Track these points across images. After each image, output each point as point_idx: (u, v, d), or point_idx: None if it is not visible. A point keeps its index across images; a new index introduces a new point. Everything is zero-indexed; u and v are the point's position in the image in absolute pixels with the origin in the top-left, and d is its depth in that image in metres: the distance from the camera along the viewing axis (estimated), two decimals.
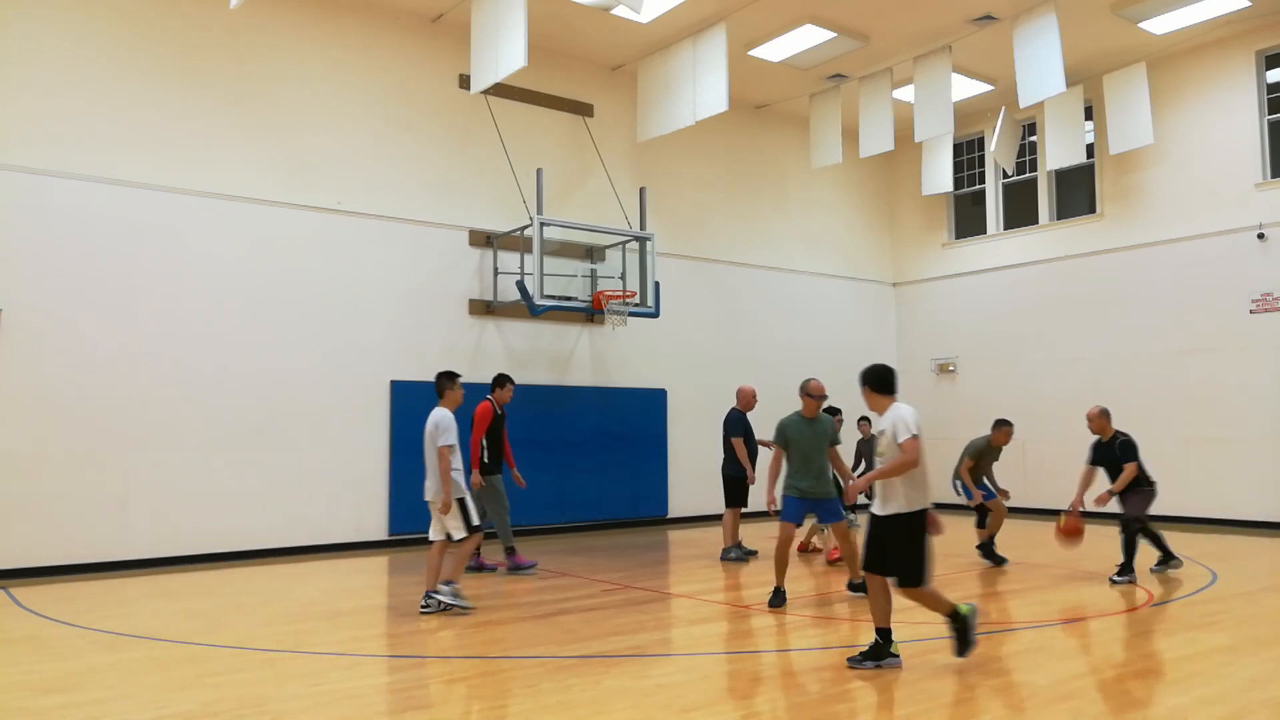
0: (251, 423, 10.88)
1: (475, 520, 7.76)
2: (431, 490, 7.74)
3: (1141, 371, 14.22)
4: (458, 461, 7.70)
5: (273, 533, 10.93)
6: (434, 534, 7.80)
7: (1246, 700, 4.94)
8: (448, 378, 8.06)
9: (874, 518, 5.76)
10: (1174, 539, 11.87)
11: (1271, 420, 12.89)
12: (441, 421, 7.74)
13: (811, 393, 7.92)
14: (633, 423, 14.01)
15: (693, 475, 14.45)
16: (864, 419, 11.66)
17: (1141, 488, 8.98)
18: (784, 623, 7.15)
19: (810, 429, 7.85)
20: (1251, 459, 13.02)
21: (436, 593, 7.51)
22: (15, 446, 9.56)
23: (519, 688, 5.30)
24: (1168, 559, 9.16)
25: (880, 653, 5.67)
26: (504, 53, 10.54)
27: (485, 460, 9.44)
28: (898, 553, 5.65)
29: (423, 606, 7.52)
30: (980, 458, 10.08)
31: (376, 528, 11.68)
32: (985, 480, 10.13)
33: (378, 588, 9.17)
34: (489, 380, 12.67)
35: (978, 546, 10.10)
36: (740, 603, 7.98)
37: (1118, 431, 9.18)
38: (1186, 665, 5.64)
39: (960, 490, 10.13)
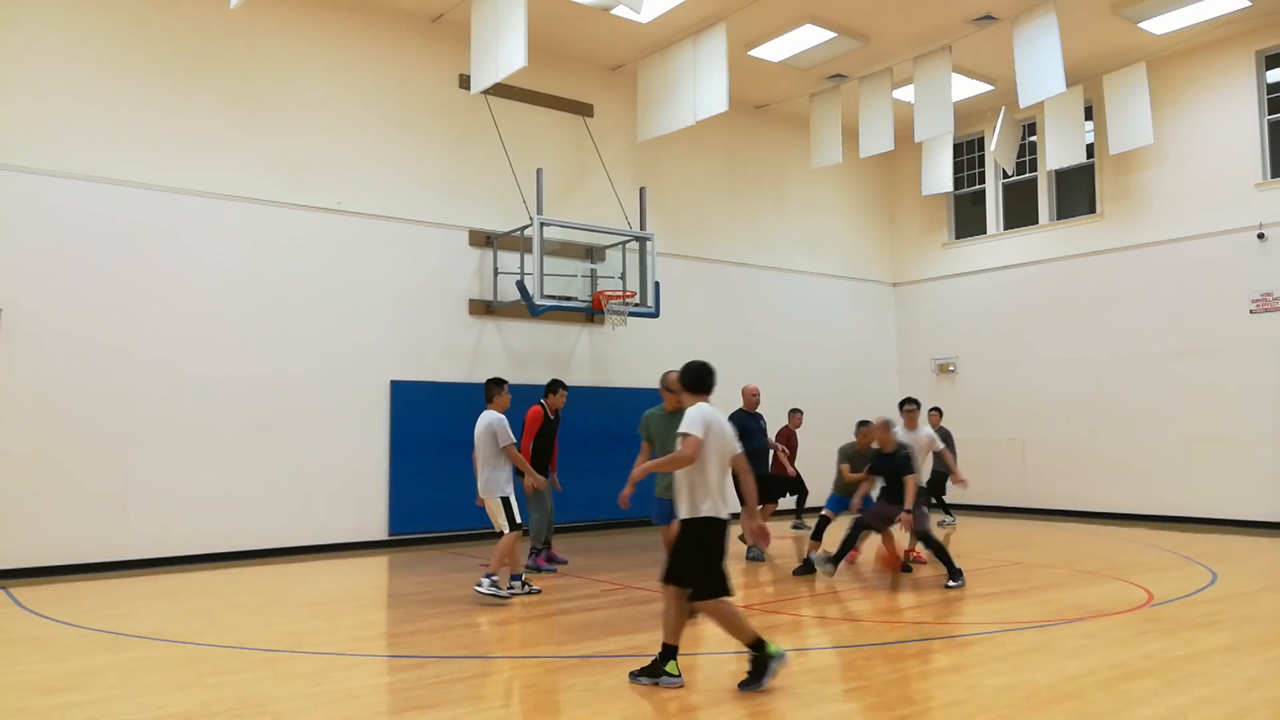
0: (252, 422, 10.88)
1: (518, 518, 8.08)
2: (485, 488, 8.12)
3: (1141, 371, 14.22)
4: (502, 461, 8.07)
5: (273, 533, 10.93)
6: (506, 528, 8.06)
7: (1246, 700, 4.94)
8: (496, 384, 8.51)
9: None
10: (1175, 539, 11.90)
11: (1271, 420, 12.89)
12: (495, 423, 8.13)
13: (669, 386, 7.56)
14: (633, 423, 13.90)
15: None
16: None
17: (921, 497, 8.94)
18: (784, 623, 7.15)
19: (671, 424, 7.20)
20: (1251, 459, 13.02)
21: (514, 580, 8.13)
22: (15, 446, 9.56)
23: (519, 688, 5.30)
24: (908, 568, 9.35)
25: (655, 670, 5.21)
26: (504, 53, 10.54)
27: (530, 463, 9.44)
28: (679, 560, 5.27)
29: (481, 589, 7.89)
30: (852, 463, 9.68)
31: (376, 528, 11.68)
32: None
33: (378, 588, 9.17)
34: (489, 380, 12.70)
35: (808, 558, 9.22)
36: (740, 603, 7.97)
37: (900, 444, 9.05)
38: (1186, 665, 5.64)
39: (829, 505, 9.69)
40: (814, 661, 6.00)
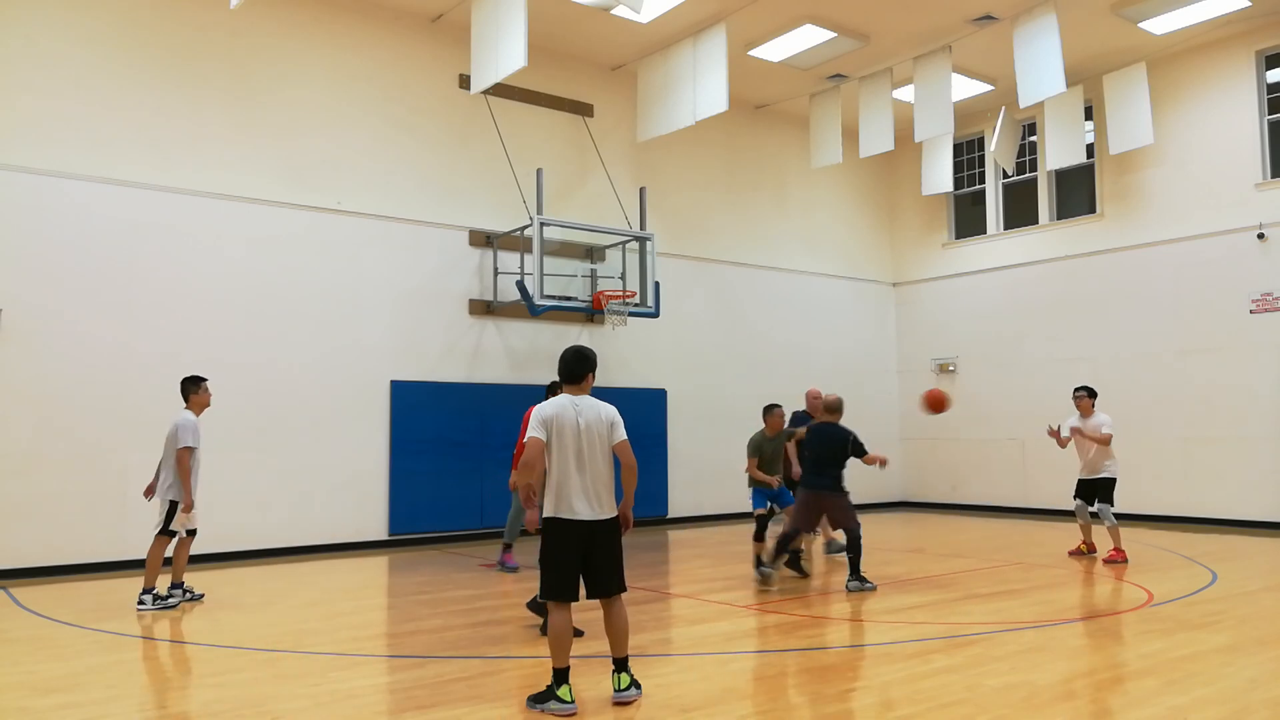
0: (252, 422, 10.88)
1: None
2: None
3: (1141, 371, 14.22)
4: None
5: (273, 532, 10.93)
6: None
7: (1246, 700, 4.94)
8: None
9: None
10: (1175, 539, 11.90)
11: (1271, 420, 12.89)
12: None
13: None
14: (633, 423, 13.78)
15: (693, 475, 14.46)
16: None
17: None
18: (784, 623, 7.15)
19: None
20: (1251, 459, 13.02)
21: None
22: (15, 446, 9.56)
23: (519, 688, 5.30)
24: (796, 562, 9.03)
25: (545, 695, 4.82)
26: (504, 53, 10.54)
27: None
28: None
29: None
30: (760, 452, 9.36)
31: (376, 528, 11.68)
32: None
33: (378, 588, 9.17)
34: (488, 381, 12.73)
35: (757, 559, 8.89)
36: (740, 603, 7.97)
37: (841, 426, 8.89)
38: (1186, 665, 5.64)
39: (752, 498, 9.43)
40: (814, 661, 6.00)
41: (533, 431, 4.91)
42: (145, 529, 10.16)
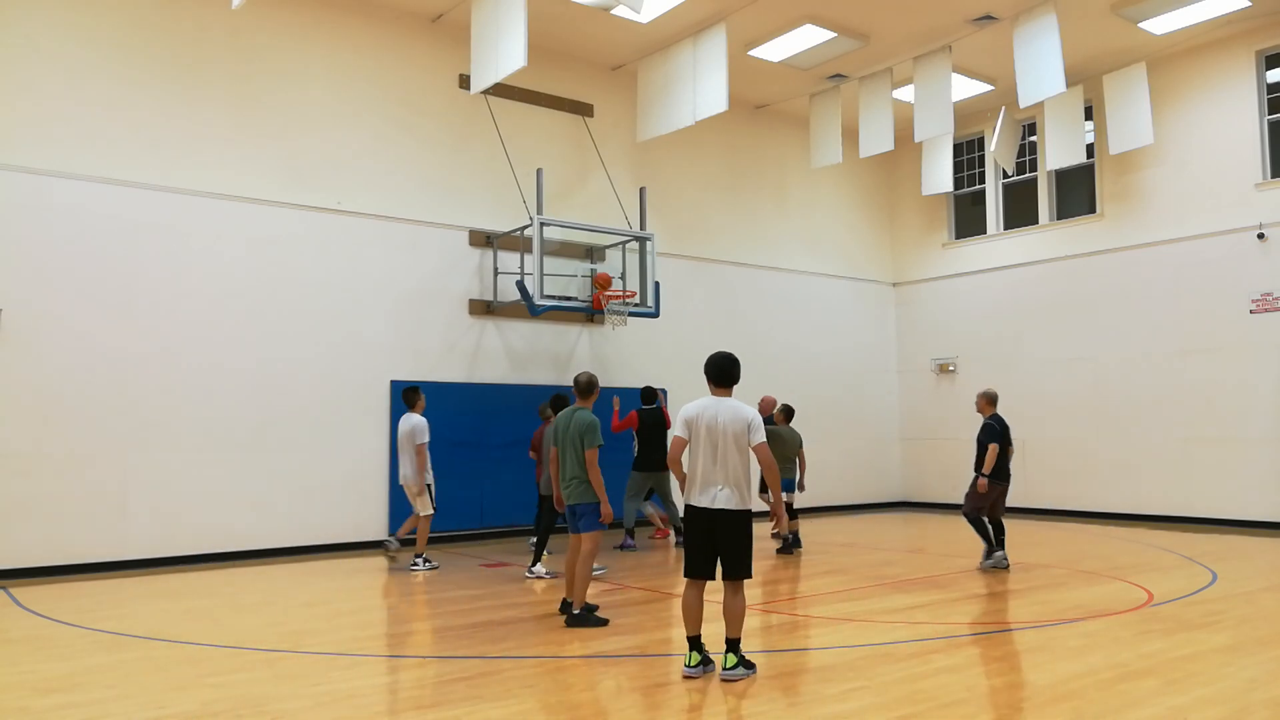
0: (251, 422, 10.88)
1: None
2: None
3: (1141, 371, 14.22)
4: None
5: (272, 533, 10.92)
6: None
7: (1246, 700, 4.94)
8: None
9: None
10: (1175, 539, 11.90)
11: (1271, 420, 12.89)
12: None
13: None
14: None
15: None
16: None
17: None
18: (783, 623, 7.15)
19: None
20: (1251, 459, 13.02)
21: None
22: (15, 446, 9.56)
23: (519, 688, 5.30)
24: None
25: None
26: (504, 53, 10.54)
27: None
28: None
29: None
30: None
31: (376, 528, 11.68)
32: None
33: (377, 588, 9.16)
34: (487, 381, 12.73)
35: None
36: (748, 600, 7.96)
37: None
38: (1186, 665, 5.64)
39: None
40: (814, 661, 6.00)
41: (676, 430, 5.60)
42: (145, 529, 10.24)
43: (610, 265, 13.14)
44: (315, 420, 11.35)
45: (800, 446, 11.26)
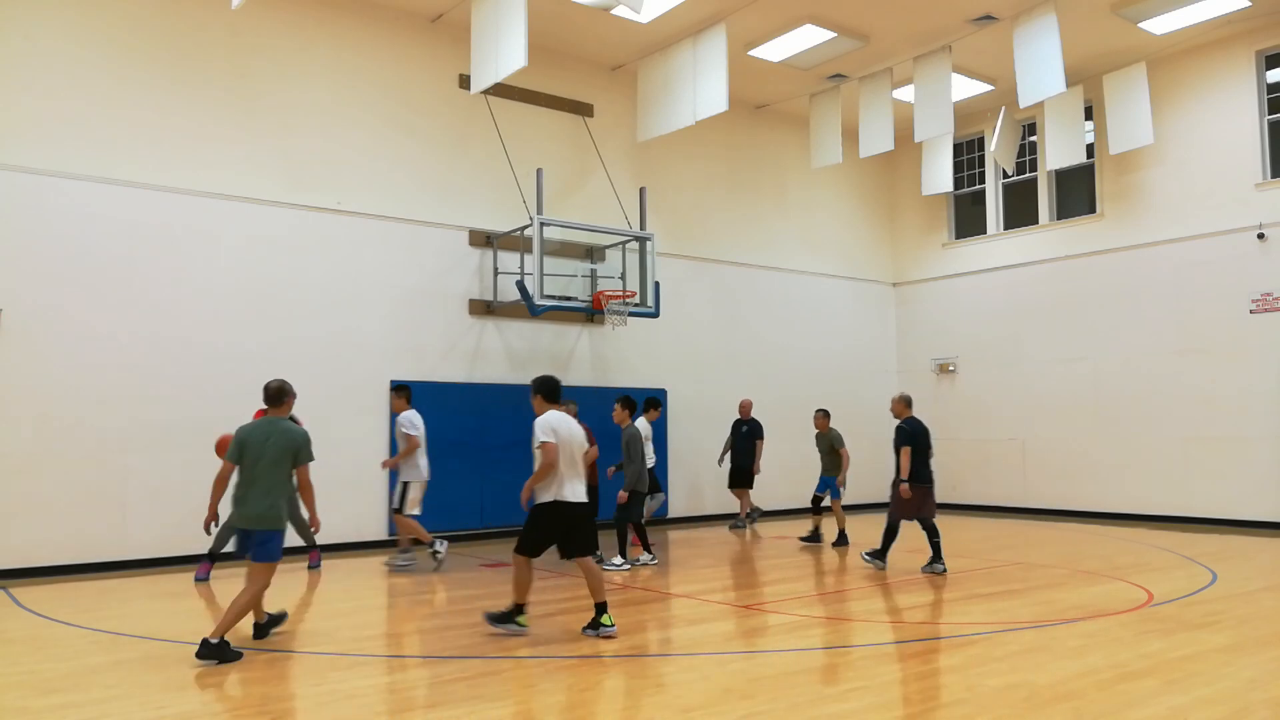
0: None
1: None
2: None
3: (1141, 371, 14.22)
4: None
5: None
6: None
7: (1246, 700, 4.94)
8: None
9: None
10: (1175, 539, 11.90)
11: (1271, 420, 12.89)
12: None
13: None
14: None
15: (693, 475, 14.46)
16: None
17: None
18: (783, 623, 7.15)
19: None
20: (1251, 459, 13.02)
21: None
22: (15, 446, 9.56)
23: (519, 688, 5.30)
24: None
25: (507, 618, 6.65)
26: (504, 53, 10.54)
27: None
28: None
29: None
30: (818, 447, 11.33)
31: (376, 528, 11.68)
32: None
33: (378, 588, 9.16)
34: (488, 381, 12.72)
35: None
36: (740, 602, 7.98)
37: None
38: (1186, 665, 5.64)
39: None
40: (814, 661, 6.00)
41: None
42: (145, 529, 10.23)
43: (610, 265, 13.14)
44: (315, 420, 11.27)
45: (841, 445, 11.71)
